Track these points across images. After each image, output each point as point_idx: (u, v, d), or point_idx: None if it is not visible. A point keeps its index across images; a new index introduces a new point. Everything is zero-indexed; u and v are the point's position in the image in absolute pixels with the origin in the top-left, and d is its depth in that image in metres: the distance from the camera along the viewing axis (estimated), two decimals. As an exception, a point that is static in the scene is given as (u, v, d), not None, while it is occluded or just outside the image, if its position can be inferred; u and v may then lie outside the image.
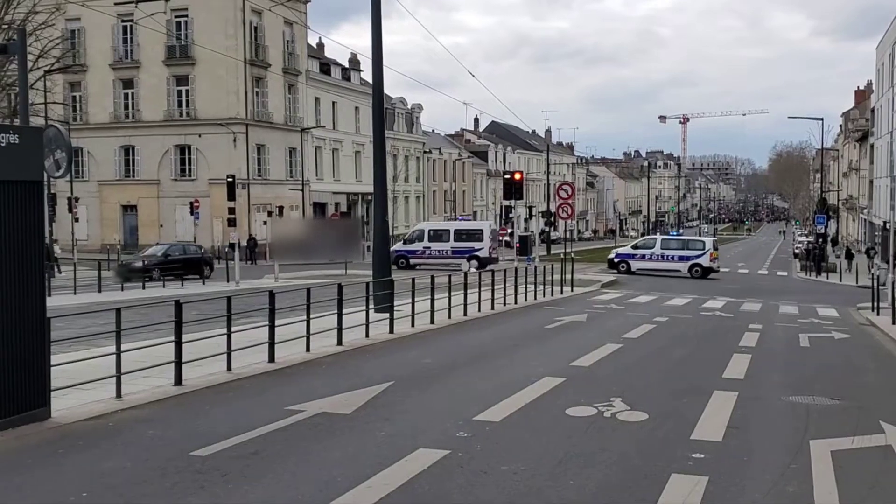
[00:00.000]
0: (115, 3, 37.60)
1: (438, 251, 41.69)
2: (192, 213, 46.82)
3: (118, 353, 9.55)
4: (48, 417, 8.40)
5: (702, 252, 40.99)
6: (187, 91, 53.08)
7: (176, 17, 50.94)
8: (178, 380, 10.32)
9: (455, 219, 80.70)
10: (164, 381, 10.29)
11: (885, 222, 47.95)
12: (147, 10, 37.47)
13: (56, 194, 40.97)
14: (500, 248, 55.15)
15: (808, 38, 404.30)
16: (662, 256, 40.91)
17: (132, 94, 54.25)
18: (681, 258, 40.53)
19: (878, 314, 22.12)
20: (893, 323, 19.54)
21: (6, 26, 31.94)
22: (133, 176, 54.28)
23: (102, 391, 9.49)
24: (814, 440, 8.36)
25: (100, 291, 26.09)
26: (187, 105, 53.19)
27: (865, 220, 69.99)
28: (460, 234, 43.20)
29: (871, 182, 66.38)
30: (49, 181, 29.77)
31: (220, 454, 7.42)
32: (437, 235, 42.94)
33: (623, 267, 40.51)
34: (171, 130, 53.15)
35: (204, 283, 30.92)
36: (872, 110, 69.94)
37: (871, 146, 67.82)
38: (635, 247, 43.61)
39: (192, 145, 52.66)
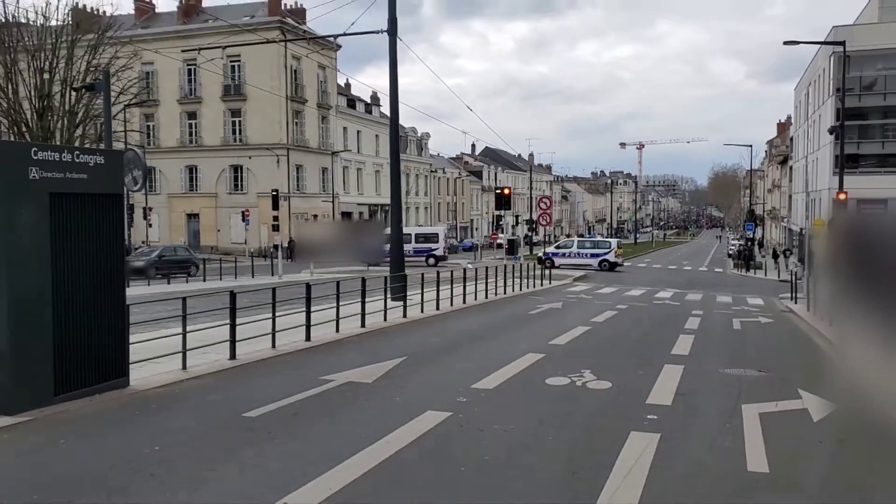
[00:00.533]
0: (182, 51, 37.50)
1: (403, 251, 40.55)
2: (243, 220, 46.70)
3: (184, 333, 9.55)
4: (127, 385, 8.39)
5: (608, 250, 41.03)
6: (240, 122, 53.07)
7: (231, 62, 50.84)
8: (233, 355, 10.30)
9: (455, 226, 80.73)
10: (222, 356, 10.27)
11: (801, 229, 47.88)
12: (207, 56, 37.34)
13: (134, 205, 40.94)
14: (492, 248, 55.12)
15: (742, 81, 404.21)
16: (578, 254, 40.64)
17: (195, 123, 54.19)
18: (592, 255, 40.41)
19: (795, 303, 22.06)
20: (808, 310, 19.50)
21: (93, 69, 31.91)
22: (196, 190, 54.24)
23: (171, 364, 9.48)
24: (745, 404, 8.33)
25: (168, 283, 26.09)
26: (240, 133, 53.20)
27: (786, 227, 69.84)
28: (419, 237, 42.30)
29: (790, 196, 66.24)
30: (128, 194, 29.75)
31: (267, 415, 7.40)
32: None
33: (549, 263, 39.78)
34: (226, 153, 53.12)
35: (188, 281, 28.79)
36: (791, 139, 69.79)
37: (791, 168, 67.70)
38: (558, 247, 43.30)
39: (244, 165, 52.62)
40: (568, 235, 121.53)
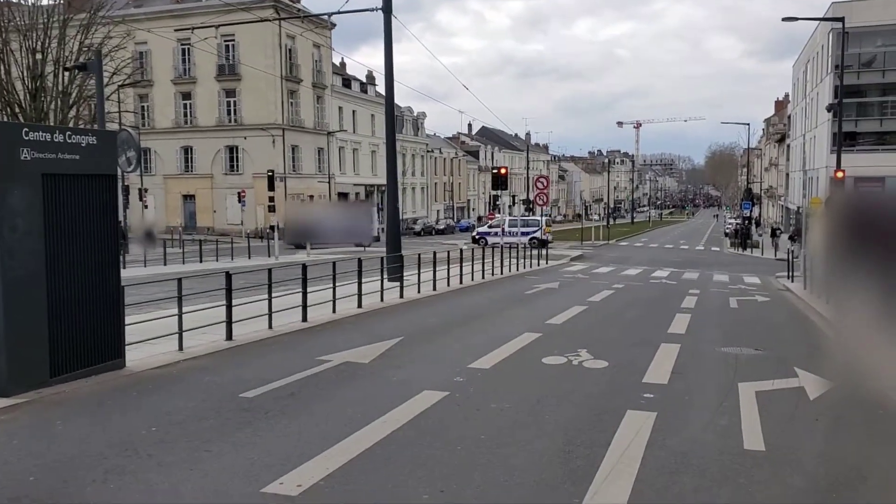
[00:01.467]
0: (175, 30, 37.14)
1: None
2: (239, 201, 46.59)
3: (180, 314, 9.52)
4: (123, 367, 8.38)
5: (537, 228, 41.70)
6: (235, 102, 52.80)
7: (225, 41, 50.42)
8: (229, 336, 10.30)
9: (452, 206, 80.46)
10: (218, 336, 10.27)
11: (798, 207, 47.94)
12: (201, 35, 36.99)
13: (129, 186, 40.74)
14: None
15: (739, 58, 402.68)
16: (509, 233, 40.98)
17: (190, 104, 53.89)
18: (522, 233, 40.88)
19: (792, 281, 22.11)
20: (805, 288, 19.52)
21: (86, 49, 31.63)
22: (191, 171, 54.08)
23: (167, 345, 9.47)
24: (741, 383, 8.36)
25: (165, 265, 26.03)
26: (235, 113, 52.94)
27: (783, 205, 69.88)
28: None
29: (788, 175, 66.26)
30: (123, 175, 29.53)
31: (263, 396, 7.40)
32: None
33: (483, 242, 40.07)
34: (221, 134, 52.88)
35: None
36: (789, 117, 69.65)
37: (788, 146, 67.63)
38: (490, 226, 43.77)
39: (239, 146, 52.43)
40: (565, 215, 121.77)
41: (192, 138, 53.67)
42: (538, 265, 27.33)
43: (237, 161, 52.90)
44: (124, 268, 13.32)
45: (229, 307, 10.28)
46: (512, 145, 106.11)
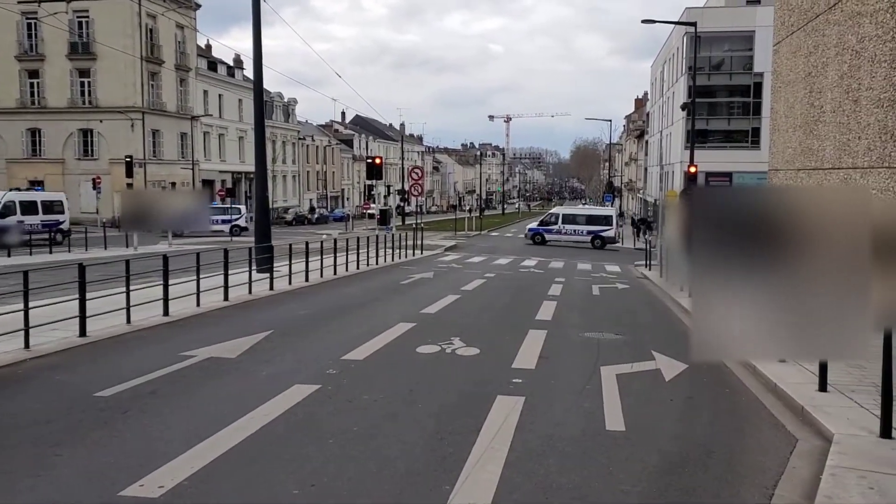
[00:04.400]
0: (19, 2, 34.10)
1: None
2: (94, 188, 43.77)
3: (26, 310, 8.83)
4: (-40, 367, 7.67)
5: (240, 216, 43.10)
6: (89, 82, 49.33)
7: (78, 17, 47.02)
8: (83, 332, 9.65)
9: (325, 196, 79.12)
10: (70, 333, 9.60)
11: (654, 200, 50.88)
12: (49, 9, 34.19)
13: (-34, 171, 37.38)
14: (364, 219, 54.66)
15: (605, 57, 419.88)
16: (213, 221, 41.65)
17: (37, 83, 49.86)
18: (223, 221, 42.45)
19: (650, 269, 23.40)
20: (661, 276, 20.72)
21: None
22: (39, 155, 50.08)
23: (12, 343, 8.74)
24: (603, 366, 8.78)
25: (9, 256, 24.02)
26: (89, 94, 49.49)
27: (641, 198, 73.89)
28: (45, 206, 32.84)
29: (646, 169, 70.11)
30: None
31: (121, 394, 7.00)
32: None
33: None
34: (74, 116, 49.26)
35: None
36: (648, 114, 73.67)
37: (646, 142, 71.55)
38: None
39: (94, 129, 49.14)
40: (439, 206, 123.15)
41: (39, 120, 49.72)
42: (413, 255, 27.47)
43: (92, 145, 49.56)
44: (-40, 260, 12.19)
45: (83, 301, 9.63)
46: (387, 135, 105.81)
